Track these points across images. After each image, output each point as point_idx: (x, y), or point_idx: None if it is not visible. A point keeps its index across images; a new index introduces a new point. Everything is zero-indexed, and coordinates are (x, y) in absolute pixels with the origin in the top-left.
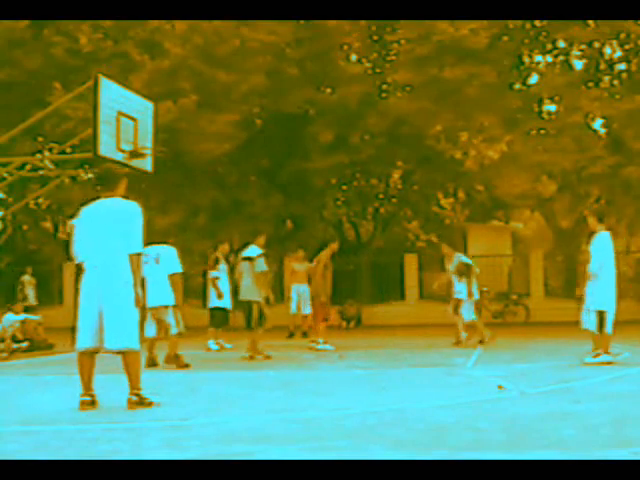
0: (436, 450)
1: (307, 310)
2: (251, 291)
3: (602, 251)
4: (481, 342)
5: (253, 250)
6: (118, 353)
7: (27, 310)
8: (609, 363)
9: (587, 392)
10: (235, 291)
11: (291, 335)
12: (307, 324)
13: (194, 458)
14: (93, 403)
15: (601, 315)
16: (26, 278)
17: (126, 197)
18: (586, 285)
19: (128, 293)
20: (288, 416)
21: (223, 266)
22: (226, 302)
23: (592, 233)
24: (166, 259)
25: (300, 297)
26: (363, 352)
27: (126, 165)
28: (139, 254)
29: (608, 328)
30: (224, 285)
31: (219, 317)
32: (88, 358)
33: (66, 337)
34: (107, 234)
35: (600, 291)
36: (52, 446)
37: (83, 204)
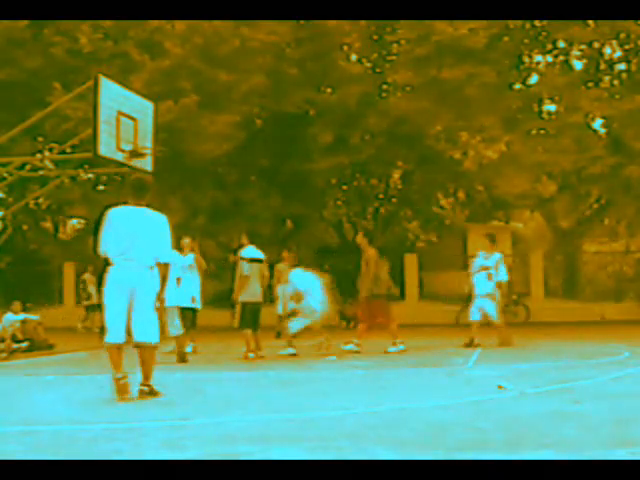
0: (436, 450)
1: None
2: (260, 293)
3: None
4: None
5: (256, 252)
6: (144, 346)
7: (90, 309)
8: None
9: (587, 392)
10: (231, 291)
11: (278, 335)
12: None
13: (194, 458)
14: (126, 379)
15: None
16: (87, 276)
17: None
18: None
19: (154, 293)
20: (288, 416)
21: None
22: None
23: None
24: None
25: (285, 298)
26: (363, 352)
27: (126, 165)
28: (168, 264)
29: None
30: (193, 283)
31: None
32: (117, 350)
33: (66, 337)
34: (141, 238)
35: None
36: (52, 446)
37: (108, 207)
